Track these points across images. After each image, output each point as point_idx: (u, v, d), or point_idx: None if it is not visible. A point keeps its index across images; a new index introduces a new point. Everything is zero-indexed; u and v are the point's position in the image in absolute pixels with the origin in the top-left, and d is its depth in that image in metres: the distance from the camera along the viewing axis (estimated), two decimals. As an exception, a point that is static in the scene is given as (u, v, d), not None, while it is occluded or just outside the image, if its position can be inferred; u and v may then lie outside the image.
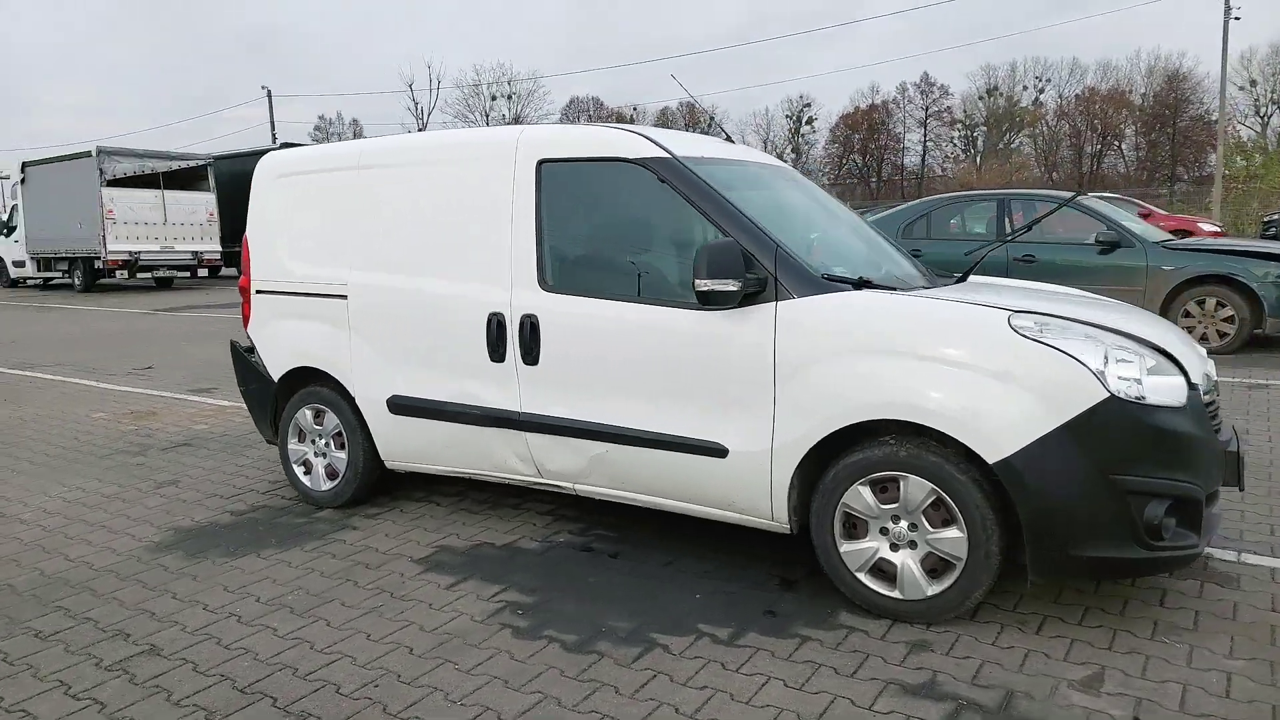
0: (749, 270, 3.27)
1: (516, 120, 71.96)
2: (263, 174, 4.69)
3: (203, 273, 20.98)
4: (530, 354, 3.76)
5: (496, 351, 3.84)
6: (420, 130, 59.66)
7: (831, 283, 3.30)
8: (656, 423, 3.51)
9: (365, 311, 4.25)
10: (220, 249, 20.79)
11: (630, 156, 3.59)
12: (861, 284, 3.36)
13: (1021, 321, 3.00)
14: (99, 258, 19.07)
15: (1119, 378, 2.90)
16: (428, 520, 4.33)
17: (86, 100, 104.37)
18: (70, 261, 20.36)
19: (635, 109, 79.13)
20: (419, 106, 64.13)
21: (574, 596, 3.44)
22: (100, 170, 18.90)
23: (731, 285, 3.19)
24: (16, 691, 2.81)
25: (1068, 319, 3.09)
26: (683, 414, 3.45)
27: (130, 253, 19.23)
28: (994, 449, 2.91)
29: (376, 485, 4.56)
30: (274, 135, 47.63)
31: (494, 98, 71.63)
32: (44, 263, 21.44)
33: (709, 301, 3.23)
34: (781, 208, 3.97)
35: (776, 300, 3.27)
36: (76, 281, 20.27)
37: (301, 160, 4.57)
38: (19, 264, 22.38)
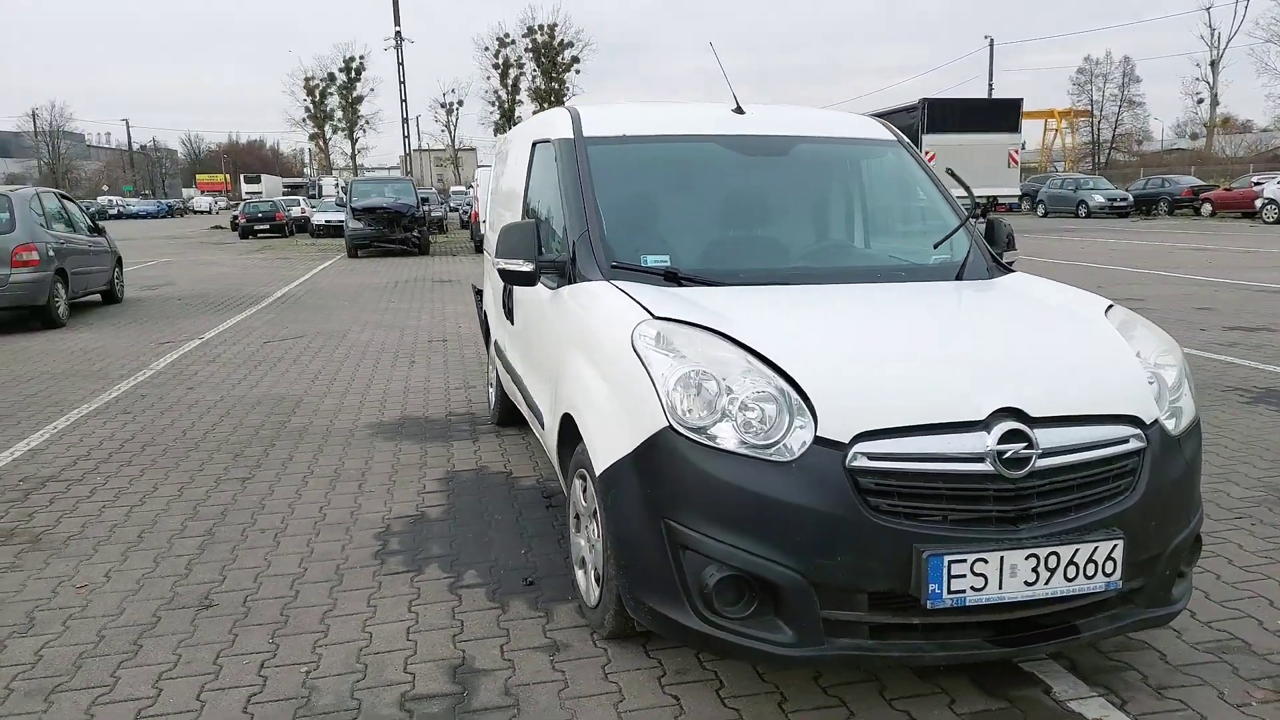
0: (551, 252, 3.37)
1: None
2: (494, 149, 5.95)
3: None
4: (511, 315, 4.33)
5: (506, 312, 4.49)
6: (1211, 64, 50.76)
7: (619, 271, 3.18)
8: (533, 386, 3.83)
9: (489, 270, 5.23)
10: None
11: (551, 137, 3.84)
12: (669, 276, 3.14)
13: (646, 330, 2.59)
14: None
15: (689, 409, 2.36)
16: (520, 448, 5.18)
17: (895, 60, 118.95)
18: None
19: None
20: (1214, 33, 54.54)
21: (459, 523, 4.03)
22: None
23: (524, 265, 3.36)
24: (153, 462, 4.73)
25: (718, 334, 2.51)
26: (542, 381, 3.70)
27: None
28: (597, 463, 2.66)
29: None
30: (990, 86, 47.63)
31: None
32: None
33: (505, 279, 3.44)
34: (703, 187, 3.69)
35: (570, 283, 3.31)
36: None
37: (502, 138, 5.70)
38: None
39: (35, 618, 3.19)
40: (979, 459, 2.26)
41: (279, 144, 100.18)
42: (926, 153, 22.59)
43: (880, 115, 23.60)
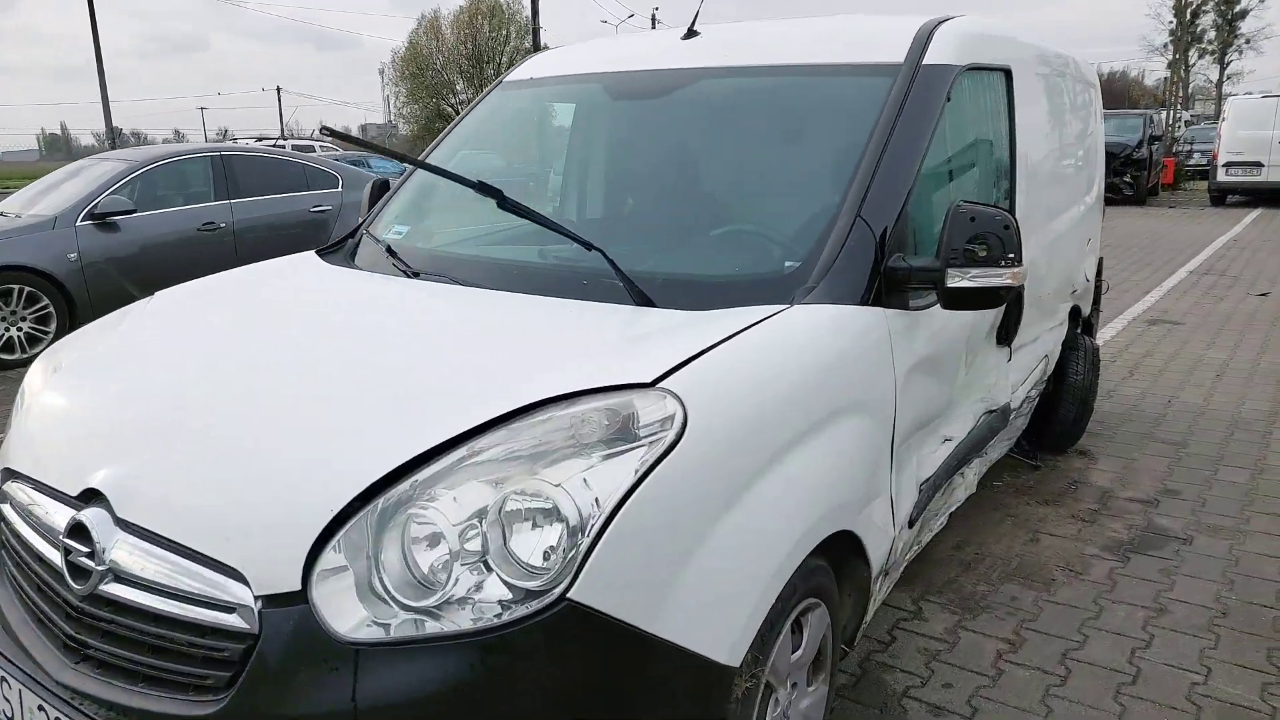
0: None
1: None
2: None
3: None
4: None
5: None
6: None
7: (367, 239, 2.79)
8: None
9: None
10: None
11: None
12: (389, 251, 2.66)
13: None
14: None
15: None
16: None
17: None
18: None
19: None
20: None
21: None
22: None
23: None
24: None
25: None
26: None
27: None
28: None
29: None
30: None
31: None
32: None
33: None
34: (551, 143, 3.03)
35: None
36: None
37: None
38: None
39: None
40: (56, 547, 1.60)
41: (1143, 75, 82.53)
42: None
43: None
